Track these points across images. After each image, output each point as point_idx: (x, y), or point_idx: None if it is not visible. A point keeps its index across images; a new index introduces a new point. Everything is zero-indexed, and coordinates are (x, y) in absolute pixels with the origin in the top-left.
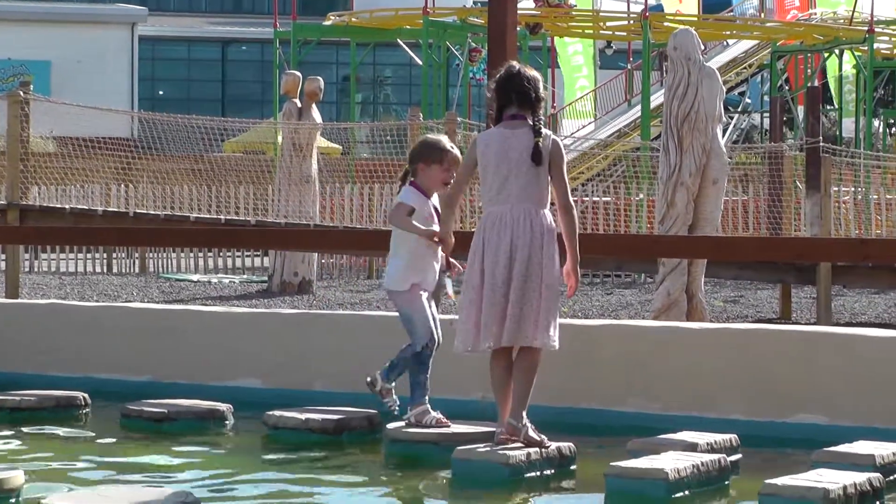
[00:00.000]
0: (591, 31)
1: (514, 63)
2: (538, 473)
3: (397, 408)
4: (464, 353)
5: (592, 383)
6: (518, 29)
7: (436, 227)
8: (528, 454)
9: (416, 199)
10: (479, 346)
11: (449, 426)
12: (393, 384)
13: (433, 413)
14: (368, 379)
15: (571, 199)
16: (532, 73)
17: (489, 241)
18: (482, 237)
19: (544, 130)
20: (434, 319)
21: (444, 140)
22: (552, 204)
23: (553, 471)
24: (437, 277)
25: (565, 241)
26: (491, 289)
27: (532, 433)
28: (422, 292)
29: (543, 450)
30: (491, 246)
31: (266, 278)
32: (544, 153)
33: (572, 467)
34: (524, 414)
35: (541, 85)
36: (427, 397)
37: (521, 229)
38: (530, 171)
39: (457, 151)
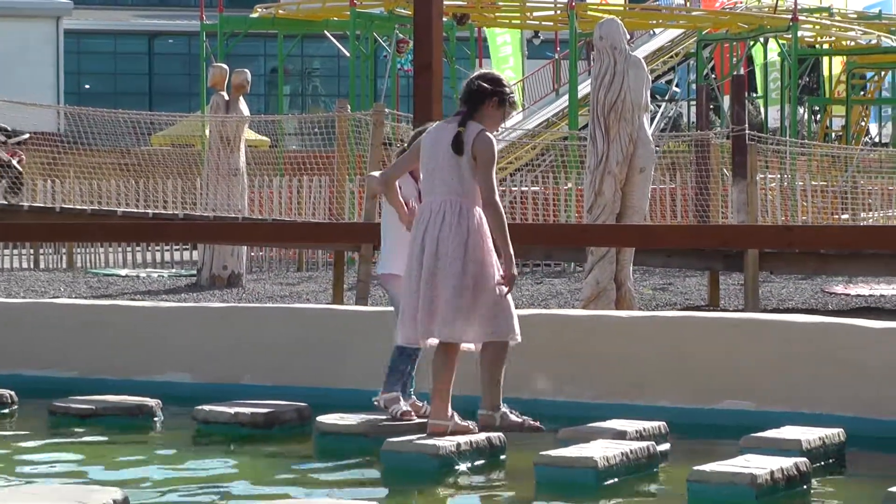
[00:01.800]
0: (518, 21)
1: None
2: (468, 464)
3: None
4: (406, 344)
5: (522, 372)
6: (445, 19)
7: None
8: (458, 444)
9: (404, 180)
10: (406, 337)
11: (413, 420)
12: (396, 391)
13: (402, 404)
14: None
15: (496, 195)
16: (486, 71)
17: (412, 234)
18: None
19: (473, 124)
20: None
21: None
22: None
23: (483, 461)
24: None
25: (495, 238)
26: (406, 281)
27: (512, 416)
28: None
29: (473, 438)
30: (412, 239)
31: (195, 272)
32: (466, 143)
33: (502, 457)
34: (496, 403)
35: (489, 82)
36: (401, 386)
37: (434, 220)
38: (452, 162)
39: None
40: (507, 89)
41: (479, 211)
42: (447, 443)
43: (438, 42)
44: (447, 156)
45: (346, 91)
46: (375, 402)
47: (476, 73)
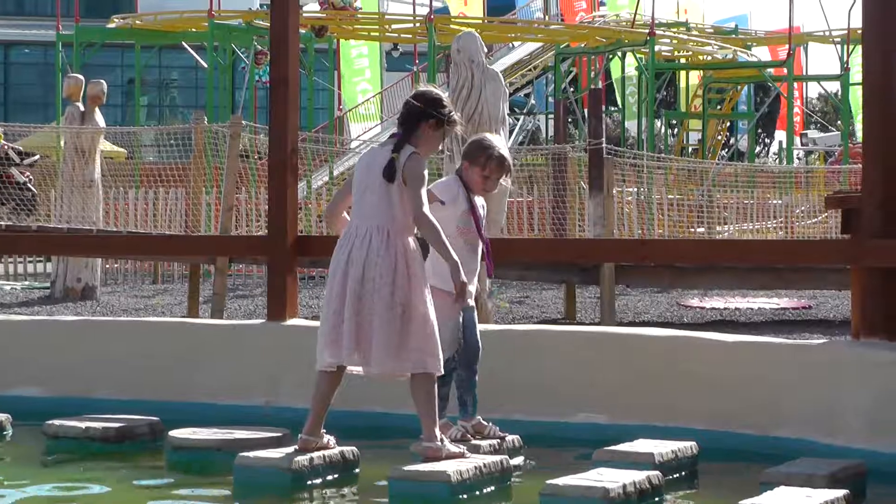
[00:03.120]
0: (376, 34)
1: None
2: (321, 479)
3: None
4: (324, 368)
5: (375, 386)
6: (304, 31)
7: (474, 226)
8: (311, 459)
9: (449, 193)
10: (326, 361)
11: (465, 443)
12: (443, 418)
13: (456, 427)
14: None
15: (426, 208)
16: (424, 89)
17: (335, 255)
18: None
19: (407, 149)
20: (468, 328)
21: (495, 144)
22: None
23: (336, 475)
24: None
25: (435, 248)
26: (328, 303)
27: (454, 446)
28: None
29: (326, 453)
30: (334, 260)
31: (48, 284)
32: (397, 170)
33: (355, 471)
34: (435, 432)
35: (425, 103)
36: (444, 411)
37: (360, 244)
38: (383, 187)
39: (504, 159)
40: (445, 109)
41: (407, 238)
42: (300, 457)
43: (295, 55)
44: (379, 181)
45: (203, 102)
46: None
47: (413, 92)
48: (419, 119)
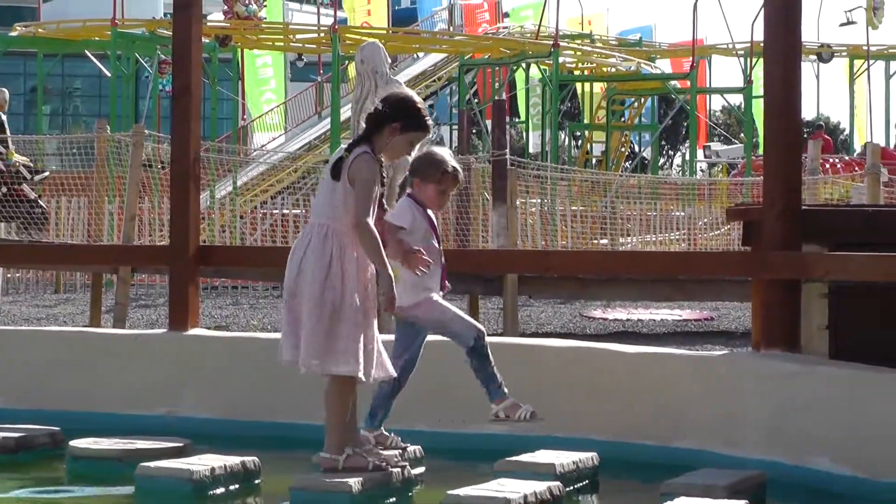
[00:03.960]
0: (281, 44)
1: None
2: (223, 489)
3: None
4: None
5: (276, 397)
6: (207, 41)
7: (435, 242)
8: (212, 469)
9: (408, 216)
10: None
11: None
12: (508, 397)
13: (524, 406)
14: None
15: (367, 217)
16: (397, 91)
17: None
18: None
19: (359, 148)
20: (421, 344)
21: (446, 158)
22: None
23: (238, 485)
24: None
25: (371, 259)
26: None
27: (358, 458)
28: (434, 296)
29: (227, 463)
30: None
31: None
32: (343, 169)
33: (257, 481)
34: (340, 444)
35: (390, 105)
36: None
37: (301, 242)
38: (329, 185)
39: (458, 171)
40: (411, 112)
41: (346, 238)
42: (201, 467)
43: (197, 65)
44: (327, 178)
45: (107, 111)
46: (494, 417)
47: (386, 94)
48: (380, 122)
